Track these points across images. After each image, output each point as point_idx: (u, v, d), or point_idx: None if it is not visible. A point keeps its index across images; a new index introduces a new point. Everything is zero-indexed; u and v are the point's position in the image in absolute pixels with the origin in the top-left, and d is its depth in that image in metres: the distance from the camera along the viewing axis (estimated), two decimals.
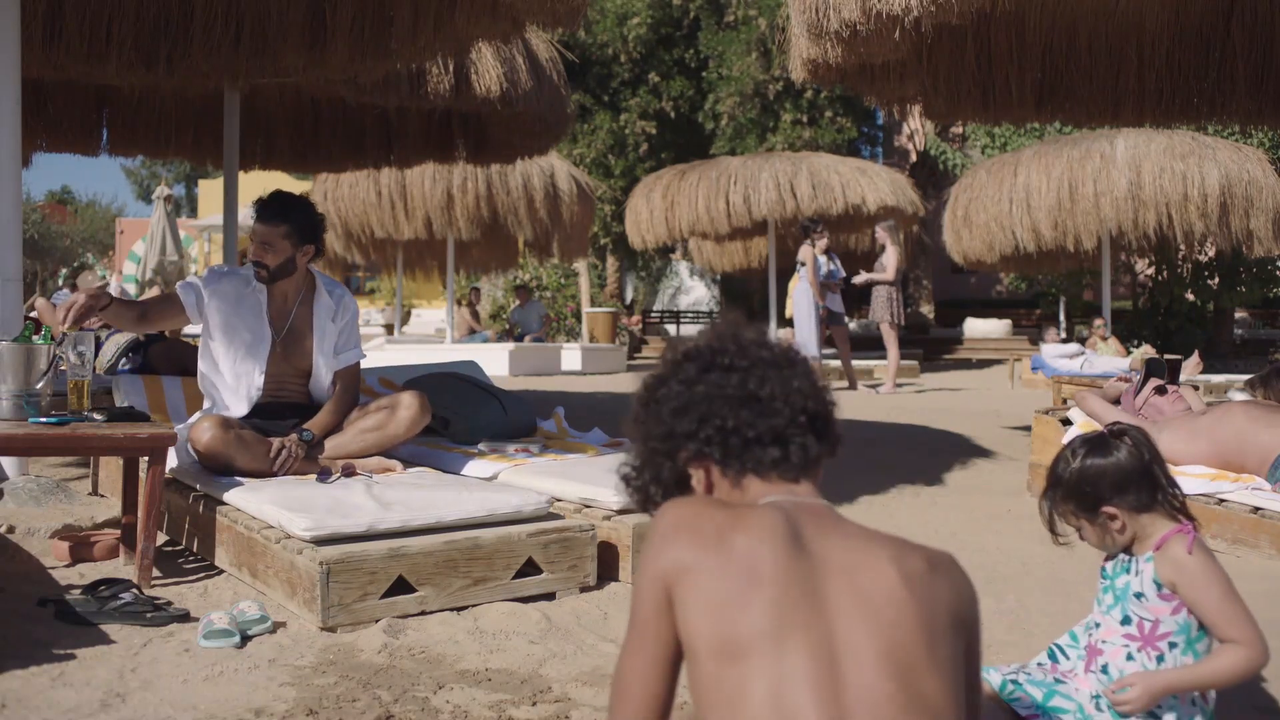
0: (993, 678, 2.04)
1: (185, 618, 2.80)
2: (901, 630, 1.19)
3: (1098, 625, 2.02)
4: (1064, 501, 2.03)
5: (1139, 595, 1.96)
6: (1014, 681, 2.03)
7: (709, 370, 1.38)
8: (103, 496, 4.36)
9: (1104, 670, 1.97)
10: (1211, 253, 14.81)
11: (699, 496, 1.37)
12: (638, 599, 1.26)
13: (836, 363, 12.13)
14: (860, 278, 11.31)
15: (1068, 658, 2.11)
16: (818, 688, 1.13)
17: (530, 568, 3.08)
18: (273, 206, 3.89)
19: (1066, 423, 4.95)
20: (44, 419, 3.28)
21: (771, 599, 1.19)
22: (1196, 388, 5.39)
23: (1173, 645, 1.93)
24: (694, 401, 1.37)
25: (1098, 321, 12.47)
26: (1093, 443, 2.02)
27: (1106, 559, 2.07)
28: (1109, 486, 1.97)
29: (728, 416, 1.35)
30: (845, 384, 11.56)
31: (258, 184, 10.43)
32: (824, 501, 1.36)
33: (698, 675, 1.20)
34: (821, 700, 1.13)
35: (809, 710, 1.12)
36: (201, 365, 3.96)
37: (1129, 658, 1.95)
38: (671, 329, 25.68)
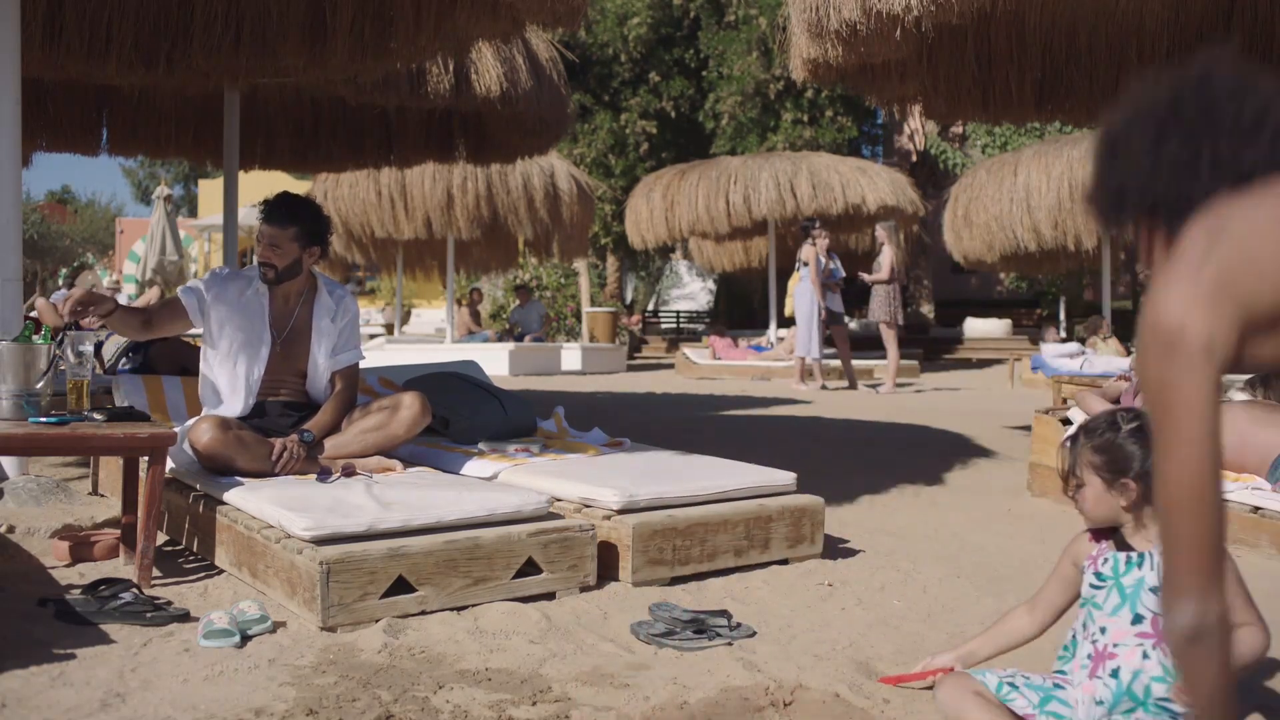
0: (989, 680, 2.04)
1: (185, 618, 2.81)
2: None
3: (1104, 630, 2.01)
4: (1096, 453, 2.06)
5: (1155, 590, 1.95)
6: (1010, 684, 2.03)
7: (1164, 135, 1.27)
8: (103, 496, 4.36)
9: (1114, 674, 1.95)
10: None
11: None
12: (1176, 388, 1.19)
13: (836, 362, 12.14)
14: (862, 278, 11.31)
15: (1067, 667, 2.10)
16: None
17: (530, 567, 3.08)
18: (281, 208, 3.89)
19: (1066, 422, 4.95)
20: (44, 419, 3.28)
21: None
22: None
23: None
24: (1139, 172, 1.28)
25: (1102, 322, 12.43)
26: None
27: (1101, 562, 2.07)
28: (1143, 464, 2.01)
29: (1174, 188, 1.26)
30: (845, 384, 11.57)
31: (258, 184, 10.43)
32: None
33: None
34: None
35: None
36: (202, 366, 3.97)
37: (1145, 656, 1.94)
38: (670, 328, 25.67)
